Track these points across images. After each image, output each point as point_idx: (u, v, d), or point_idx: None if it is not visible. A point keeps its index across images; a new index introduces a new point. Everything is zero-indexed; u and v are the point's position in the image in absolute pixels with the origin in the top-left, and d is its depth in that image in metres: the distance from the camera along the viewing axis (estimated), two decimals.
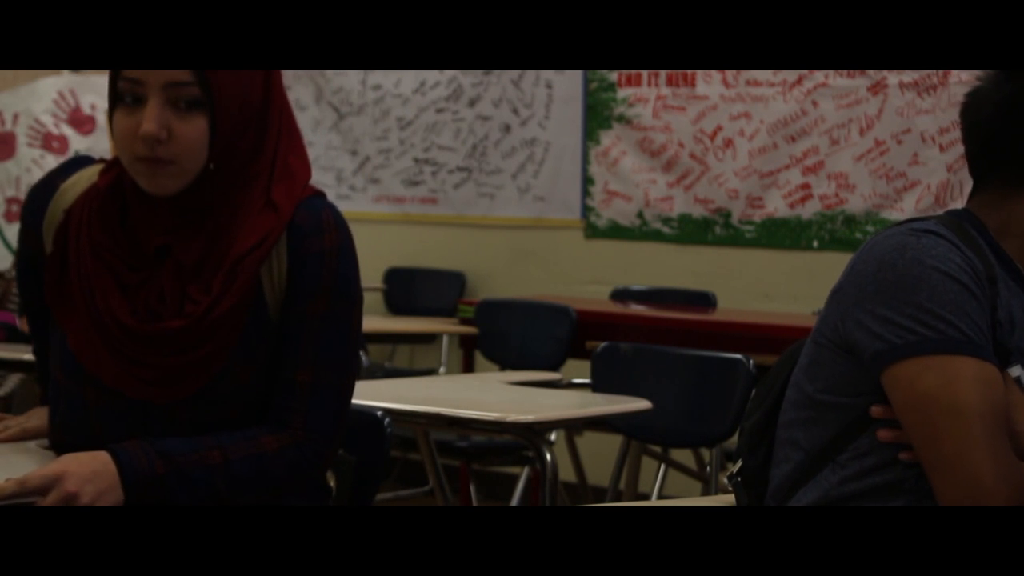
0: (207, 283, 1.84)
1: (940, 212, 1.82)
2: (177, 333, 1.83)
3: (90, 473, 1.74)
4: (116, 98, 1.81)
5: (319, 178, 6.03)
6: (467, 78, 5.76)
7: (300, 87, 6.20)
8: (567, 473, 4.35)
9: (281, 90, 1.91)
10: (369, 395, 2.58)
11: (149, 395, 1.85)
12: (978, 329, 1.62)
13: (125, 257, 1.87)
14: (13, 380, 5.16)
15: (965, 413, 1.59)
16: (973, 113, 1.77)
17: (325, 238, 1.87)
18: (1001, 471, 1.58)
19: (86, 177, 1.95)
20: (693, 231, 5.16)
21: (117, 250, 1.87)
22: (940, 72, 4.59)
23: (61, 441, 1.95)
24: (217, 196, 1.85)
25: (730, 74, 5.04)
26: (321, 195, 1.94)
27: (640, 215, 5.28)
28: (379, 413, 2.25)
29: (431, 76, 5.85)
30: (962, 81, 4.51)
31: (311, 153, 6.31)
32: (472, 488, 4.72)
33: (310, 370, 1.86)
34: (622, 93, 5.31)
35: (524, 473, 4.62)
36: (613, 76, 5.35)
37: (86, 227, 1.89)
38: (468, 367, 4.76)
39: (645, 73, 5.26)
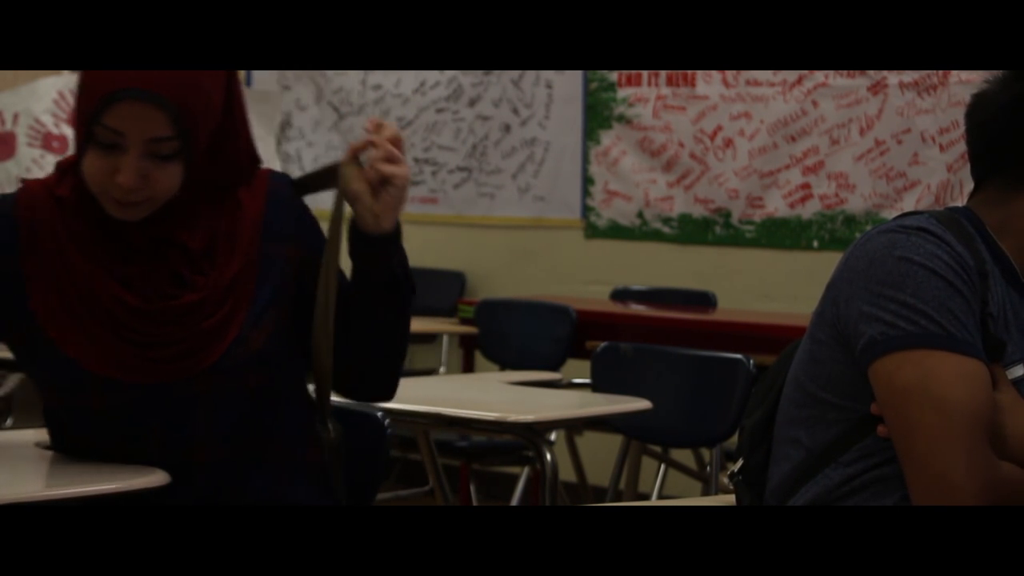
0: (214, 260, 1.92)
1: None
2: (195, 305, 1.89)
3: None
4: (90, 137, 1.81)
5: None
6: (467, 78, 5.76)
7: (300, 87, 6.20)
8: (567, 473, 4.35)
9: (239, 85, 1.94)
10: None
11: (165, 375, 1.87)
12: (961, 326, 1.63)
13: (117, 252, 1.89)
14: (13, 380, 5.16)
15: (940, 408, 1.59)
16: (979, 114, 1.77)
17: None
18: (973, 468, 1.58)
19: (29, 192, 1.94)
20: (693, 231, 5.15)
21: (109, 246, 1.89)
22: (940, 72, 4.58)
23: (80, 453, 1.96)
24: (198, 203, 1.92)
25: (730, 74, 5.04)
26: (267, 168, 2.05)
27: (640, 215, 5.28)
28: (379, 413, 2.25)
29: (431, 76, 5.85)
30: (962, 81, 4.51)
31: (311, 153, 6.32)
32: (472, 488, 4.71)
33: None
34: (622, 93, 5.31)
35: (524, 473, 4.62)
36: (613, 76, 5.35)
37: (64, 229, 1.90)
38: (468, 367, 4.76)
39: (645, 73, 5.26)
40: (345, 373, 2.00)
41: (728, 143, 5.04)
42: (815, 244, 4.88)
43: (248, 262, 1.93)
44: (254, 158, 1.98)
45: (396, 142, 1.90)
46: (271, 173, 2.01)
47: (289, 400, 1.98)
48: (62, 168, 1.92)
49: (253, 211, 1.95)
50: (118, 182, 1.80)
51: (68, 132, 5.75)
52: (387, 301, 1.96)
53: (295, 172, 2.00)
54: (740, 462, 1.86)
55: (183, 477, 1.87)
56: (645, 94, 5.25)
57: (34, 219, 1.91)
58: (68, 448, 1.96)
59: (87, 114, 1.80)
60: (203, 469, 1.90)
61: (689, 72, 5.14)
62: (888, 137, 4.71)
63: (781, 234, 4.95)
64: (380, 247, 1.92)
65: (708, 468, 3.72)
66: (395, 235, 1.93)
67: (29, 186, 1.95)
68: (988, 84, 1.77)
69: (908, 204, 4.64)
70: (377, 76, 6.00)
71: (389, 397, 2.07)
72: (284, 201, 1.99)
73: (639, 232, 5.29)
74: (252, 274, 1.93)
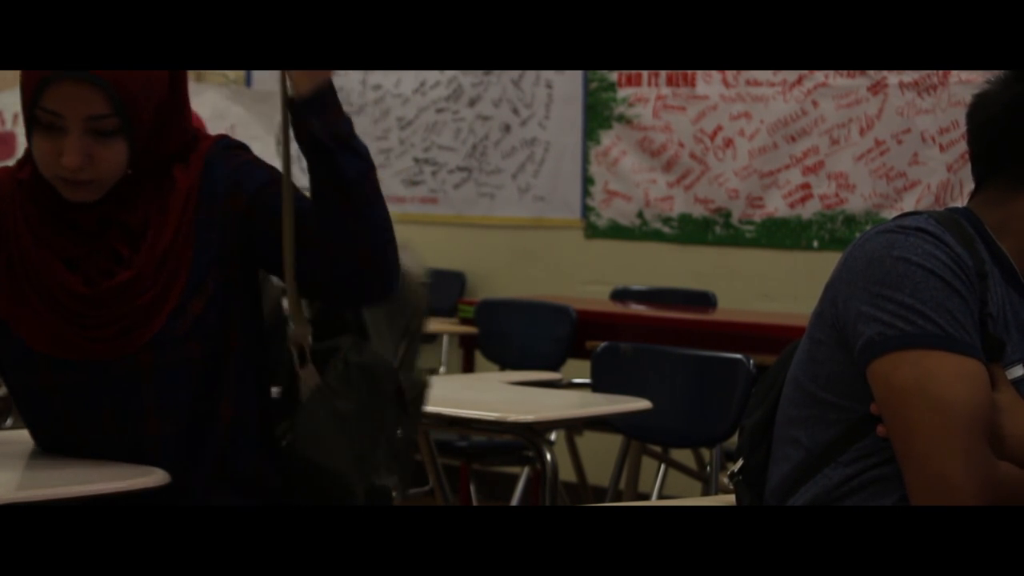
0: (148, 236, 1.94)
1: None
2: (129, 282, 1.91)
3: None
4: (33, 122, 1.86)
5: None
6: (467, 78, 5.76)
7: None
8: (567, 473, 4.35)
9: (184, 75, 1.97)
10: None
11: (107, 353, 1.92)
12: (959, 326, 1.62)
13: (67, 234, 1.93)
14: None
15: (938, 408, 1.59)
16: (980, 114, 1.77)
17: (237, 150, 2.02)
18: (971, 468, 1.57)
19: None
20: (693, 231, 5.16)
21: (59, 228, 1.93)
22: (940, 72, 4.58)
23: (42, 436, 2.03)
24: (143, 181, 1.94)
25: (730, 74, 5.04)
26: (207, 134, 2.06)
27: (640, 215, 5.28)
28: None
29: (431, 76, 5.85)
30: (962, 81, 4.51)
31: None
32: (472, 488, 4.72)
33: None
34: (622, 93, 5.31)
35: (524, 473, 4.62)
36: (613, 76, 5.35)
37: (21, 212, 1.95)
38: (468, 367, 4.77)
39: (645, 73, 5.26)
40: (330, 278, 1.95)
41: (728, 143, 5.04)
42: (815, 244, 4.88)
43: (180, 233, 1.94)
44: (195, 133, 2.01)
45: None
46: (215, 140, 2.02)
47: (240, 370, 1.99)
48: (26, 153, 1.96)
49: (186, 181, 1.96)
50: (63, 163, 1.84)
51: None
52: (320, 167, 1.92)
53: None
54: (740, 462, 1.86)
55: (137, 452, 1.93)
56: (645, 94, 5.25)
57: None
58: (33, 427, 2.03)
59: (28, 101, 1.85)
60: (156, 443, 1.94)
61: (689, 72, 5.14)
62: (888, 137, 4.71)
63: (781, 234, 4.95)
64: (299, 112, 1.90)
65: (708, 468, 3.73)
66: (313, 100, 1.90)
67: None
68: (989, 84, 1.77)
69: (908, 204, 4.65)
70: (377, 76, 6.00)
71: (382, 291, 2.00)
72: (222, 161, 1.99)
73: (639, 232, 5.29)
74: (187, 244, 1.95)
